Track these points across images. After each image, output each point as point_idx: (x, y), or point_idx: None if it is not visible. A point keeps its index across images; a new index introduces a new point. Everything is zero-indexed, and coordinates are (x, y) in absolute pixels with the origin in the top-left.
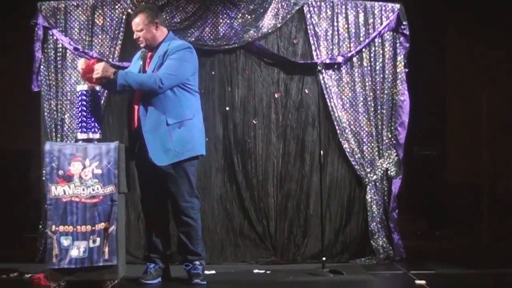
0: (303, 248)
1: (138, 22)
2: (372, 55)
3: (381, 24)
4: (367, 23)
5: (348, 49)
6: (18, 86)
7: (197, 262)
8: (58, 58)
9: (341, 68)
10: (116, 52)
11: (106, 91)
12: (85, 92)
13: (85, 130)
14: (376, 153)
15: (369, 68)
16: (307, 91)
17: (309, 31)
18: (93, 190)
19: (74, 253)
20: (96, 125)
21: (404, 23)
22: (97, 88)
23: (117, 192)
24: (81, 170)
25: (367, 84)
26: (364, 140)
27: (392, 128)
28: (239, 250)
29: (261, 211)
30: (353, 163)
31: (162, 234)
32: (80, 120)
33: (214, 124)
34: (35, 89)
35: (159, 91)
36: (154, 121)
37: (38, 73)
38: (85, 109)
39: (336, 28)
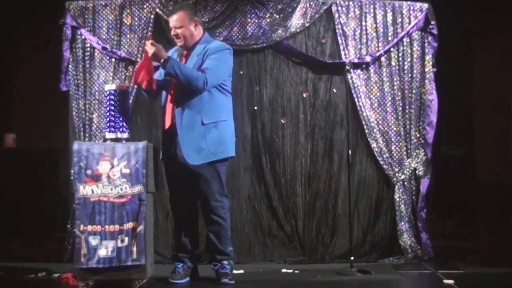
0: (331, 248)
1: (177, 18)
2: (400, 54)
3: (409, 23)
4: (395, 23)
5: (376, 49)
6: (46, 85)
7: (226, 262)
8: (86, 58)
9: (369, 68)
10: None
11: (134, 90)
12: (113, 92)
13: (113, 129)
14: (404, 152)
15: (397, 67)
16: (335, 91)
17: (337, 31)
18: (121, 189)
19: (102, 252)
20: (124, 124)
21: (432, 22)
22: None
23: (145, 192)
24: (109, 169)
25: (395, 83)
26: (392, 139)
27: (420, 127)
28: (267, 249)
29: (289, 210)
30: (381, 162)
31: (191, 233)
32: (108, 119)
33: (242, 124)
34: (63, 89)
35: (202, 91)
36: (189, 120)
37: (66, 72)
38: (113, 108)
39: (364, 28)
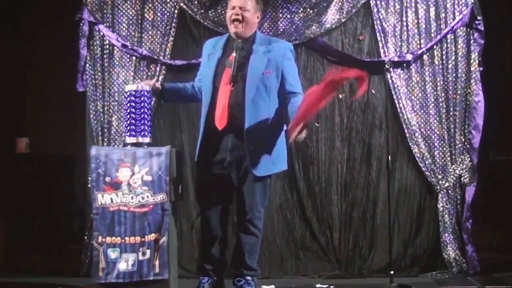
0: (370, 261)
1: (247, 1)
2: (444, 52)
3: (454, 19)
4: (439, 18)
5: (418, 46)
6: (61, 86)
7: (250, 278)
8: (105, 56)
9: (411, 67)
10: (168, 49)
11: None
12: (134, 93)
13: (134, 133)
14: (448, 158)
15: (440, 66)
16: (373, 91)
17: (376, 27)
18: (142, 198)
19: (122, 266)
20: (146, 128)
21: (479, 18)
22: (147, 88)
23: (169, 201)
24: (129, 176)
25: (438, 83)
26: (435, 144)
27: (466, 131)
28: (300, 263)
29: (324, 221)
30: (423, 169)
31: (221, 243)
32: (128, 122)
33: None
34: (80, 89)
35: None
36: (259, 130)
37: (83, 72)
38: (134, 110)
39: (405, 24)
